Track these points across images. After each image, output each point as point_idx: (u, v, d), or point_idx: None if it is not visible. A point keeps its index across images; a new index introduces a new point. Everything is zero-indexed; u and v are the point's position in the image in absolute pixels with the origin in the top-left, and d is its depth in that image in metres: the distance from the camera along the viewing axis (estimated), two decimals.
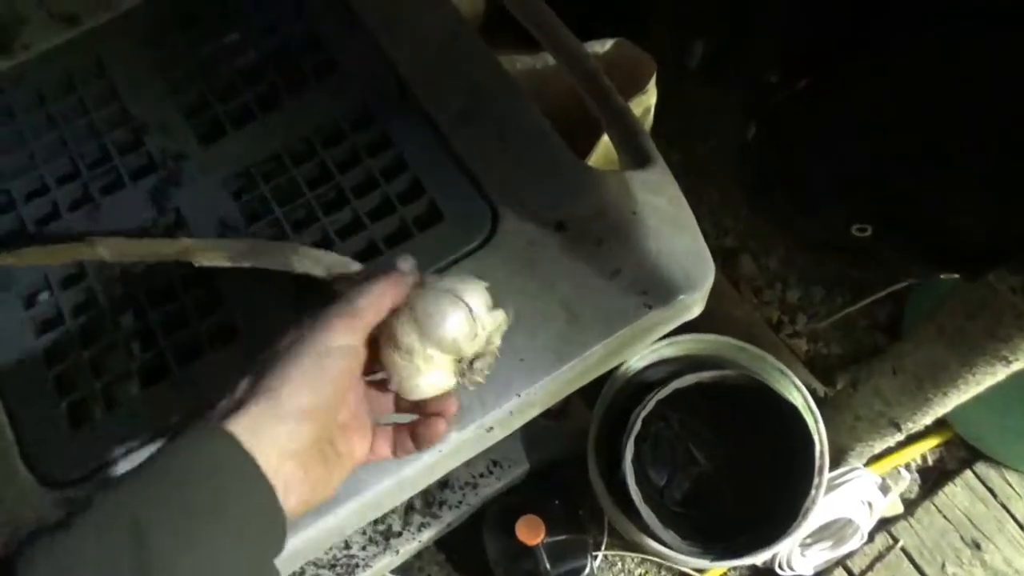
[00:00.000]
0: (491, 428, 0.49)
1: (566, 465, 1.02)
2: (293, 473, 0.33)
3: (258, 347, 0.48)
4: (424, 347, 0.36)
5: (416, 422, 0.39)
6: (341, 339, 0.34)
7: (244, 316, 0.50)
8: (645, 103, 0.83)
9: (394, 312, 0.37)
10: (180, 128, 0.57)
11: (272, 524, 0.33)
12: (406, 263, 0.38)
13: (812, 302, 1.17)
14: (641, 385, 0.89)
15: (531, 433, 0.94)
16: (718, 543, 0.81)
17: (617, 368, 0.89)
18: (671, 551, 0.80)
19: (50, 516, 0.46)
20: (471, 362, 0.38)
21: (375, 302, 0.36)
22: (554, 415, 0.93)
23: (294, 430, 0.33)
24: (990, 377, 0.71)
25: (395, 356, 0.36)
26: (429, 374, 0.37)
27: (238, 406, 0.32)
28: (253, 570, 0.32)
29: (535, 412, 0.51)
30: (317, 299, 0.41)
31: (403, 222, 0.53)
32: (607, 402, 0.89)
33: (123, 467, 0.47)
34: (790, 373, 0.85)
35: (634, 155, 0.58)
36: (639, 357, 0.89)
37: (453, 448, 0.48)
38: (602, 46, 0.83)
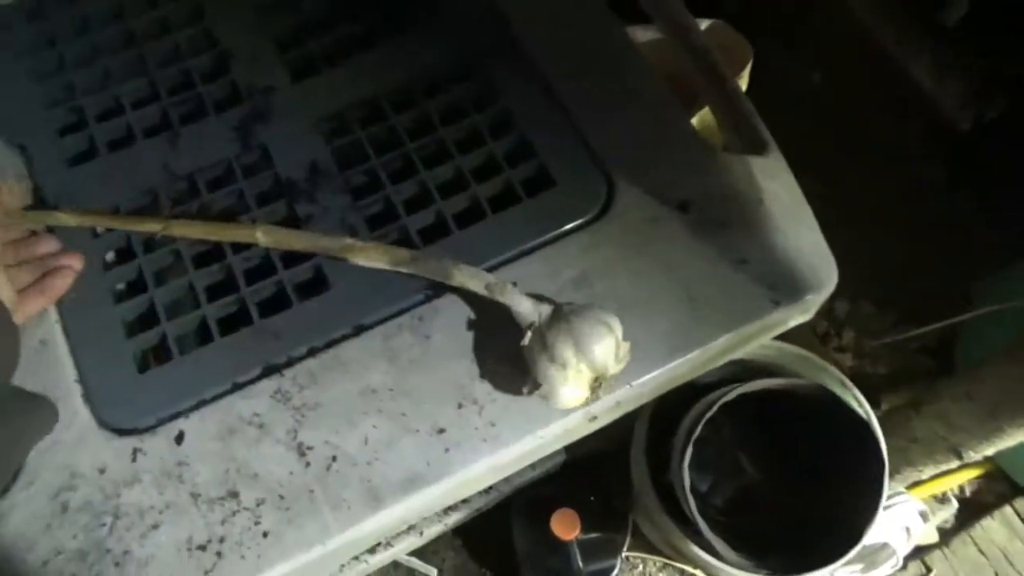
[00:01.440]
0: (595, 417, 0.45)
1: (603, 460, 0.98)
2: None
3: (353, 296, 0.44)
4: (578, 361, 0.40)
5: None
6: None
7: (335, 265, 0.46)
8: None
9: (548, 327, 0.41)
10: (270, 60, 0.53)
11: None
12: None
13: (861, 317, 1.14)
14: (694, 386, 0.85)
15: None
16: (765, 556, 0.77)
17: None
18: (718, 562, 0.76)
19: (111, 463, 0.41)
20: (600, 382, 0.42)
21: None
22: None
23: None
24: None
25: (550, 367, 0.40)
26: (574, 386, 0.41)
27: None
28: None
29: (640, 403, 0.47)
30: None
31: (510, 184, 0.49)
32: (656, 401, 0.85)
33: (192, 420, 0.42)
34: (853, 388, 0.82)
35: (749, 139, 0.54)
36: None
37: (555, 435, 0.44)
38: (699, 25, 0.78)
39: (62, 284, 0.44)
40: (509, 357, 0.43)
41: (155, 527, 0.40)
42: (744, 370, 0.85)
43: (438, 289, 0.46)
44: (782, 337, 0.87)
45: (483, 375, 0.44)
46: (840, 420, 0.78)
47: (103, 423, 0.42)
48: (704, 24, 0.78)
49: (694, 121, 0.75)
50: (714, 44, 0.78)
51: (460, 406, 0.43)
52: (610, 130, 0.50)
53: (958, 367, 1.08)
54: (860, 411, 0.80)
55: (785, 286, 0.46)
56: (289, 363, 0.44)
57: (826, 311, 1.16)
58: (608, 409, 0.44)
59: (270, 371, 0.44)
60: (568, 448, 0.92)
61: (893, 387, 1.09)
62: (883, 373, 1.11)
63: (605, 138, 0.50)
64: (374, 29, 0.54)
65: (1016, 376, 0.71)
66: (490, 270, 0.46)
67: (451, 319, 0.45)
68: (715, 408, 0.76)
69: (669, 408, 0.85)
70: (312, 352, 0.44)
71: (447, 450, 0.42)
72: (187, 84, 0.52)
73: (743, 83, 0.78)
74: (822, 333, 1.14)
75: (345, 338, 0.44)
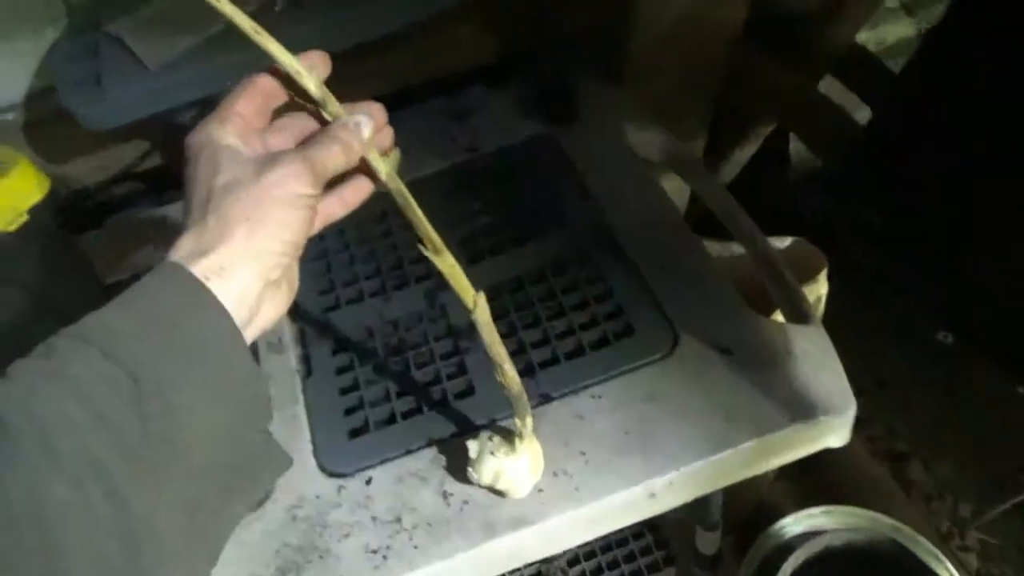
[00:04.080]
0: (653, 494, 0.61)
1: None
2: (260, 308, 0.42)
3: (489, 402, 0.65)
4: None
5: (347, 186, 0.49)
6: (305, 189, 0.41)
7: (480, 380, 0.68)
8: (816, 291, 0.97)
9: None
10: (454, 252, 0.79)
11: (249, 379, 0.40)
12: (368, 130, 0.45)
13: (985, 517, 1.16)
14: (792, 550, 0.95)
15: None
16: None
17: (768, 527, 0.96)
18: None
19: (324, 493, 0.63)
20: None
21: (332, 155, 0.43)
22: (709, 565, 1.00)
23: (269, 269, 0.40)
24: None
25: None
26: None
27: (206, 251, 0.38)
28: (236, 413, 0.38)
29: (690, 494, 0.62)
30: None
31: (604, 333, 0.70)
32: (757, 561, 0.95)
33: (378, 470, 0.64)
34: (946, 560, 0.88)
35: (796, 314, 0.72)
36: (794, 521, 0.95)
37: (619, 506, 0.61)
38: (782, 242, 0.99)
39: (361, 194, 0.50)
40: (593, 444, 0.62)
41: (347, 536, 0.61)
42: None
43: (546, 399, 0.66)
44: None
45: (572, 456, 0.62)
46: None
47: (322, 468, 0.65)
48: (787, 241, 0.99)
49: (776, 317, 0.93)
50: (792, 254, 0.98)
51: (555, 475, 0.61)
52: (678, 299, 0.71)
53: None
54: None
55: (802, 409, 0.62)
56: (443, 440, 0.65)
57: (949, 511, 1.19)
58: (663, 488, 0.61)
59: (431, 444, 0.65)
60: None
61: None
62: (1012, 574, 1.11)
63: (674, 304, 0.70)
64: (524, 233, 0.80)
65: None
66: (586, 387, 0.66)
67: (555, 418, 0.65)
68: (800, 560, 0.86)
69: (768, 570, 0.94)
70: (460, 433, 0.65)
71: (543, 504, 0.60)
72: (399, 265, 0.80)
73: (821, 286, 0.96)
74: (946, 532, 1.17)
75: (483, 426, 0.65)
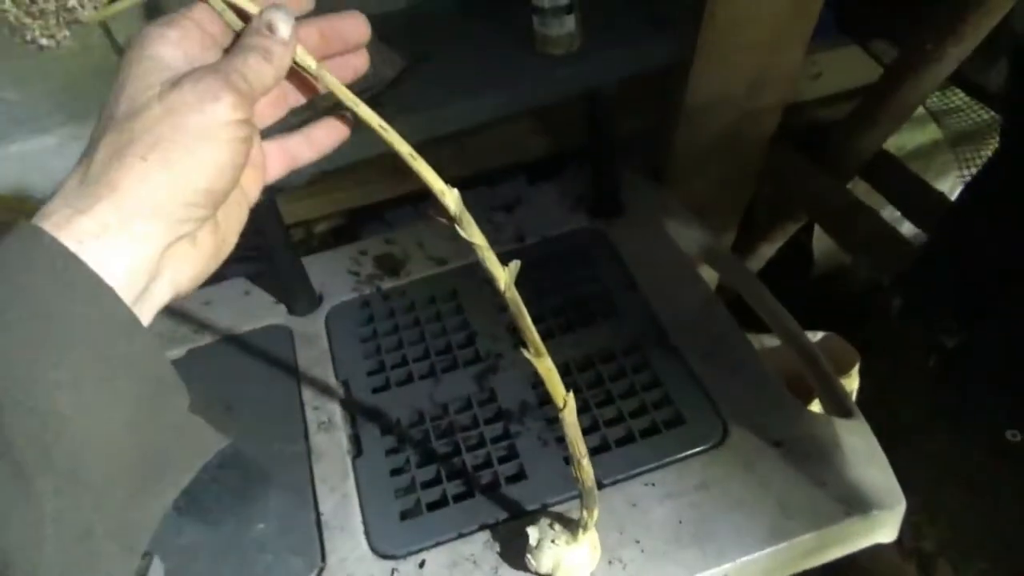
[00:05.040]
0: None
1: None
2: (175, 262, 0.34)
3: (541, 487, 0.66)
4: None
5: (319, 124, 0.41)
6: (226, 112, 0.32)
7: (531, 465, 0.69)
8: (850, 386, 0.98)
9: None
10: (502, 337, 0.81)
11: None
12: (286, 26, 0.35)
13: None
14: None
15: None
16: None
17: None
18: None
19: None
20: None
21: (251, 64, 0.34)
22: None
23: (173, 225, 0.32)
24: None
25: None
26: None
27: (85, 207, 0.30)
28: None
29: None
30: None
31: (654, 422, 0.71)
32: None
33: (431, 554, 0.64)
34: None
35: (839, 408, 0.73)
36: None
37: None
38: (814, 336, 1.01)
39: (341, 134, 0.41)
40: (648, 532, 0.62)
41: None
42: None
43: (599, 486, 0.67)
44: None
45: (627, 544, 0.62)
46: None
47: (374, 549, 0.65)
48: (819, 335, 1.01)
49: (812, 408, 0.95)
50: (825, 349, 1.00)
51: (610, 563, 0.61)
52: (726, 389, 0.72)
53: None
54: None
55: (855, 502, 0.62)
56: (495, 524, 0.65)
57: None
58: None
59: (483, 527, 0.65)
60: None
61: None
62: None
63: (723, 395, 0.72)
64: (571, 321, 0.82)
65: None
66: (638, 475, 0.67)
67: (609, 504, 0.65)
68: None
69: None
70: (512, 518, 0.65)
71: None
72: (448, 350, 0.81)
73: (853, 381, 0.98)
74: None
75: (535, 512, 0.66)
